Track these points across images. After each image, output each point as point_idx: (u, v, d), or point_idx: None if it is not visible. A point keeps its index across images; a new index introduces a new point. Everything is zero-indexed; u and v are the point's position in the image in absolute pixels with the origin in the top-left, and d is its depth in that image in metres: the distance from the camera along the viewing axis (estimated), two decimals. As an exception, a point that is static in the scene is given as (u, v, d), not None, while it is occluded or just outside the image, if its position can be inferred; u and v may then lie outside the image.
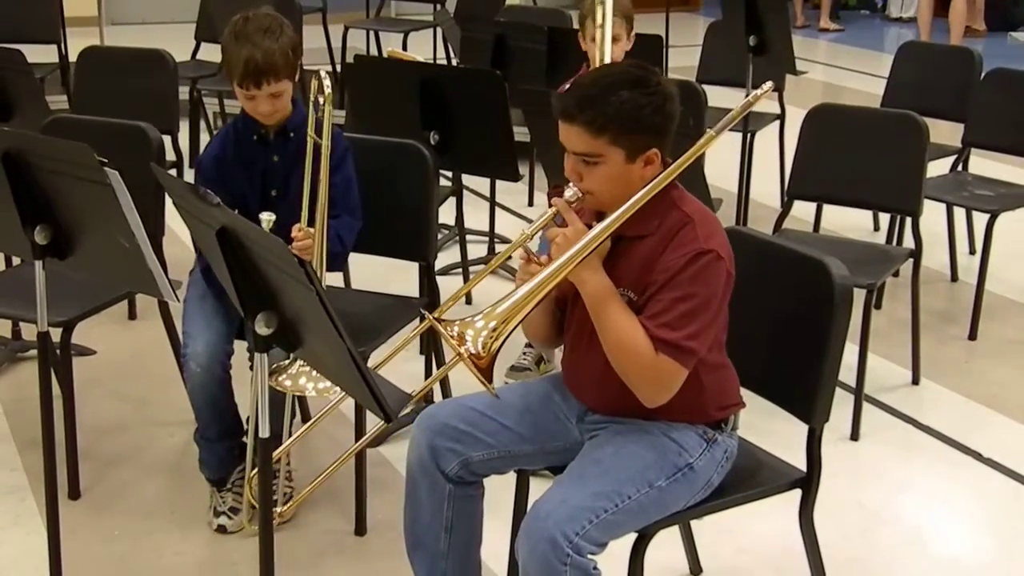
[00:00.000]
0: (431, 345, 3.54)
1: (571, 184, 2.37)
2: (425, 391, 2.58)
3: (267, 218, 2.73)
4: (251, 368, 2.94)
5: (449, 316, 2.37)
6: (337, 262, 3.19)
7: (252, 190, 3.14)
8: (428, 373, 3.64)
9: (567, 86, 2.47)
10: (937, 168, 4.73)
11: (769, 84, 2.57)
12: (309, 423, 2.87)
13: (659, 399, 2.35)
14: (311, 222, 2.99)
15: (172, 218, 3.05)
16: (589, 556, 2.26)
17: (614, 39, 3.99)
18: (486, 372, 2.24)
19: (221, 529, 3.16)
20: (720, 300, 2.33)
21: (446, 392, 3.54)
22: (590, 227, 2.32)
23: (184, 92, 5.98)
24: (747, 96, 5.09)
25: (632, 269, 2.36)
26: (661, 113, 2.33)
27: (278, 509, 3.01)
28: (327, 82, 2.98)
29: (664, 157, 2.37)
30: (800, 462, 2.59)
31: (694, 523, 2.92)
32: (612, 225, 2.32)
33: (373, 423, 3.25)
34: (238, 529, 3.16)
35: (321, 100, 2.98)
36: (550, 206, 2.38)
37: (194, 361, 3.05)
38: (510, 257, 2.50)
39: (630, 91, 2.30)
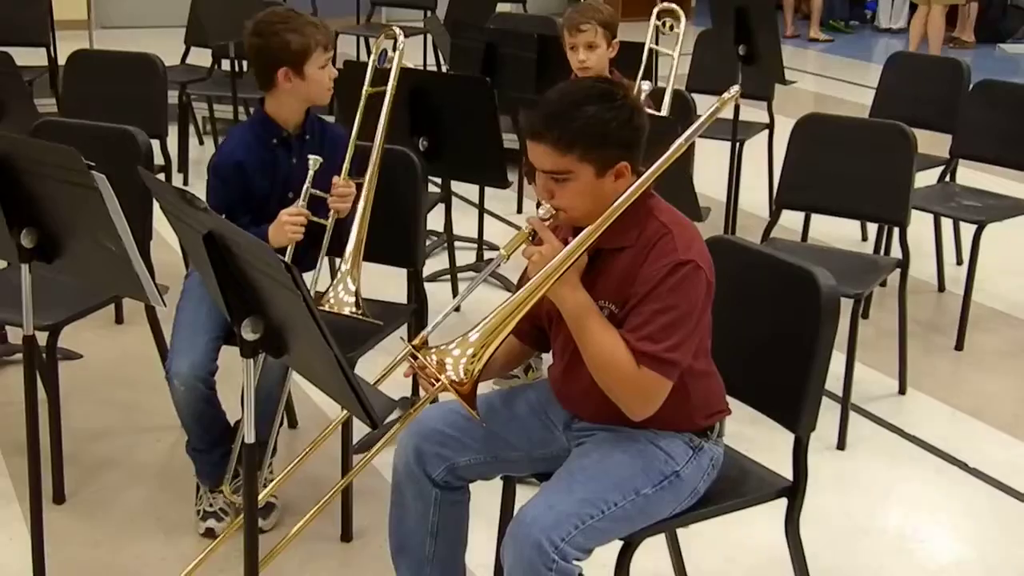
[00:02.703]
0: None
1: (543, 202, 2.37)
2: (417, 412, 2.57)
3: (315, 159, 3.00)
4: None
5: (445, 325, 2.37)
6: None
7: (273, 192, 3.15)
8: (415, 379, 3.63)
9: None
10: (925, 179, 4.74)
11: (736, 88, 2.55)
12: (303, 452, 2.85)
13: (644, 412, 2.34)
14: (351, 173, 3.10)
15: (161, 223, 3.05)
16: (574, 562, 2.26)
17: (592, 47, 4.01)
18: (469, 398, 2.24)
19: (209, 533, 3.15)
20: (701, 310, 2.33)
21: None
22: (568, 243, 2.32)
23: (173, 96, 5.97)
24: (736, 105, 5.14)
25: (612, 282, 2.36)
26: (629, 126, 2.33)
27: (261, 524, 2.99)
28: (401, 38, 3.25)
29: (637, 167, 2.37)
30: (786, 471, 2.59)
31: (680, 532, 2.91)
32: (587, 240, 2.31)
33: (359, 430, 3.25)
34: (223, 531, 3.14)
35: (390, 51, 3.18)
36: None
37: (177, 379, 3.05)
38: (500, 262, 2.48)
39: (596, 106, 2.30)
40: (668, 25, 4.30)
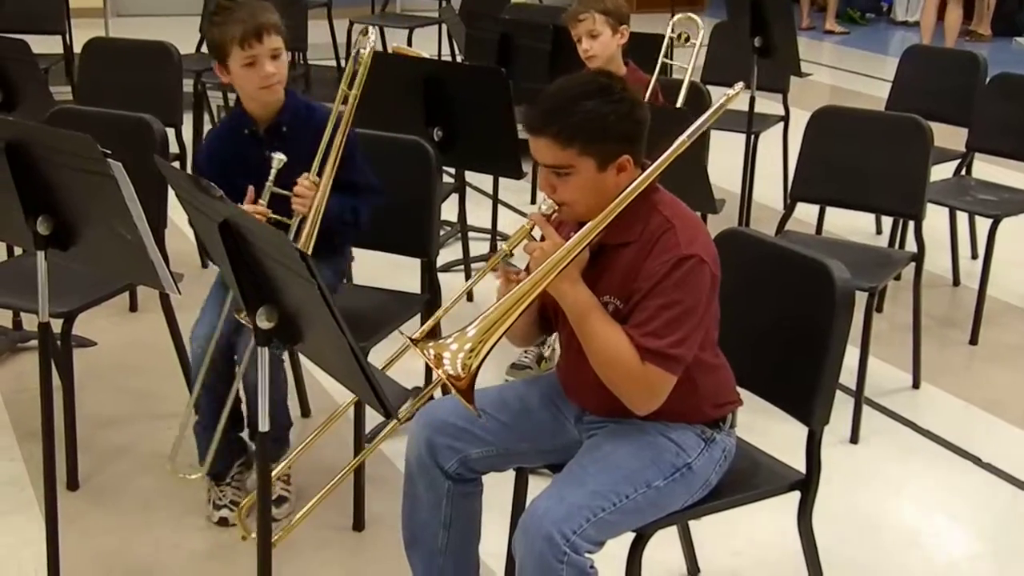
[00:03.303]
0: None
1: (546, 197, 2.36)
2: (424, 399, 2.58)
3: (278, 158, 2.93)
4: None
5: (454, 314, 2.37)
6: (345, 233, 3.21)
7: (248, 178, 3.03)
8: (428, 369, 3.64)
9: None
10: (940, 172, 4.72)
11: (740, 85, 2.54)
12: (311, 436, 2.85)
13: (648, 407, 2.34)
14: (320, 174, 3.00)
15: (175, 212, 3.05)
16: (586, 555, 2.26)
17: (593, 35, 4.00)
18: (466, 393, 2.23)
19: (223, 521, 3.16)
20: (706, 304, 2.32)
21: (445, 388, 3.54)
22: (570, 239, 2.32)
23: (188, 85, 5.97)
24: (751, 97, 5.13)
25: (616, 277, 2.36)
26: (629, 120, 2.32)
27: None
28: (373, 37, 3.06)
29: (640, 161, 2.36)
30: (799, 464, 2.59)
31: (692, 524, 2.91)
32: (588, 235, 2.31)
33: (372, 420, 3.26)
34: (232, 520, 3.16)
35: (363, 51, 3.02)
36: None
37: (195, 342, 3.09)
38: (509, 254, 2.48)
39: (595, 100, 2.29)
40: (684, 38, 4.24)
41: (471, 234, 5.01)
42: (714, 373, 2.47)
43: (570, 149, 2.29)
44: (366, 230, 3.22)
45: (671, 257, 2.29)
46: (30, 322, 4.09)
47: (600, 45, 3.99)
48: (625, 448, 2.40)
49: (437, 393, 2.83)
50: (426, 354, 2.23)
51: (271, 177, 2.97)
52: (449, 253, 5.03)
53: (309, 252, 2.90)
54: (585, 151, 2.29)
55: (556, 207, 2.35)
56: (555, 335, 2.76)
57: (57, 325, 3.16)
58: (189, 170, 2.97)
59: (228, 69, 3.05)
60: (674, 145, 2.39)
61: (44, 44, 6.00)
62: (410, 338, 2.28)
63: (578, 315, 2.31)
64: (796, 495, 2.58)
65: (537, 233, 2.36)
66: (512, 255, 2.41)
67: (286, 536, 2.66)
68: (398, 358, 2.61)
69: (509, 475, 2.65)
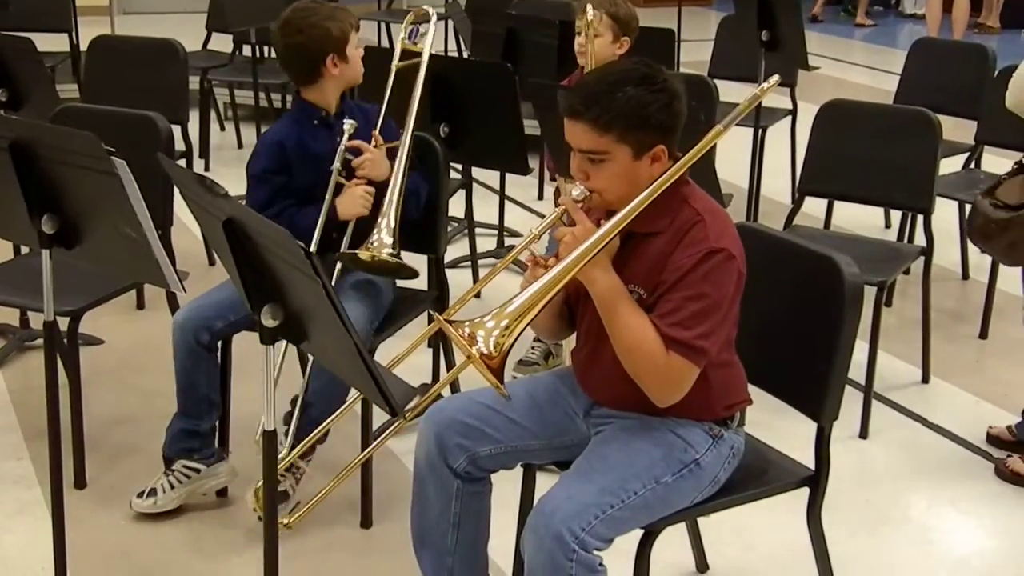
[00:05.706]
0: (439, 338, 3.53)
1: (578, 183, 2.35)
2: (434, 395, 2.57)
3: (350, 123, 3.18)
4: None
5: (464, 310, 2.36)
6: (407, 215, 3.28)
7: (317, 174, 3.19)
8: (435, 366, 3.64)
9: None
10: (949, 165, 4.71)
11: (776, 77, 2.54)
12: (317, 434, 2.85)
13: (670, 398, 2.33)
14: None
15: (181, 209, 3.04)
16: (595, 552, 2.25)
17: (594, 34, 3.97)
18: (498, 372, 2.22)
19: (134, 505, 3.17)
20: (731, 299, 2.32)
21: (454, 387, 3.53)
22: (599, 225, 2.31)
23: (194, 82, 5.98)
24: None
25: (643, 266, 2.35)
26: (668, 110, 2.32)
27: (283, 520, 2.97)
28: (434, 16, 3.49)
29: (673, 153, 2.36)
30: (808, 460, 2.58)
31: (701, 521, 2.90)
32: (620, 223, 2.30)
33: (380, 417, 3.25)
34: (146, 510, 3.16)
35: (422, 29, 3.38)
36: (556, 204, 2.37)
37: (175, 322, 3.13)
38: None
39: (636, 88, 2.29)
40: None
41: (478, 230, 5.00)
42: (727, 372, 2.46)
43: (608, 135, 2.28)
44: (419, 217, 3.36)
45: (700, 249, 2.28)
46: (37, 321, 4.09)
47: (596, 46, 3.95)
48: (633, 444, 2.39)
49: (445, 392, 2.83)
50: (460, 332, 2.21)
51: (343, 141, 3.17)
52: (456, 249, 5.02)
53: (398, 223, 3.08)
54: (623, 139, 2.29)
55: (587, 193, 2.34)
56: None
57: (64, 324, 3.16)
58: (197, 164, 3.02)
59: (346, 57, 3.23)
60: (709, 135, 2.39)
61: (50, 42, 6.00)
62: (444, 319, 2.26)
63: (607, 302, 2.30)
64: (805, 491, 2.57)
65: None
66: (540, 239, 2.40)
67: (294, 526, 2.65)
68: (416, 346, 2.60)
69: (516, 472, 2.64)
